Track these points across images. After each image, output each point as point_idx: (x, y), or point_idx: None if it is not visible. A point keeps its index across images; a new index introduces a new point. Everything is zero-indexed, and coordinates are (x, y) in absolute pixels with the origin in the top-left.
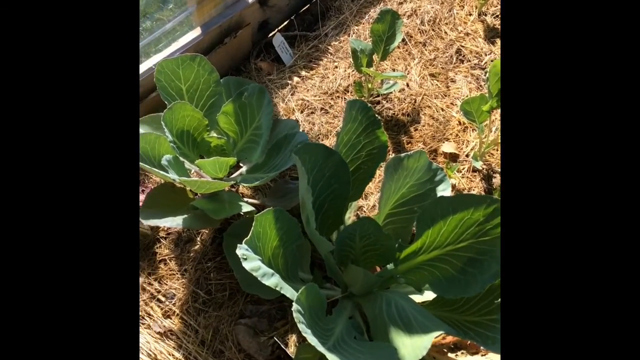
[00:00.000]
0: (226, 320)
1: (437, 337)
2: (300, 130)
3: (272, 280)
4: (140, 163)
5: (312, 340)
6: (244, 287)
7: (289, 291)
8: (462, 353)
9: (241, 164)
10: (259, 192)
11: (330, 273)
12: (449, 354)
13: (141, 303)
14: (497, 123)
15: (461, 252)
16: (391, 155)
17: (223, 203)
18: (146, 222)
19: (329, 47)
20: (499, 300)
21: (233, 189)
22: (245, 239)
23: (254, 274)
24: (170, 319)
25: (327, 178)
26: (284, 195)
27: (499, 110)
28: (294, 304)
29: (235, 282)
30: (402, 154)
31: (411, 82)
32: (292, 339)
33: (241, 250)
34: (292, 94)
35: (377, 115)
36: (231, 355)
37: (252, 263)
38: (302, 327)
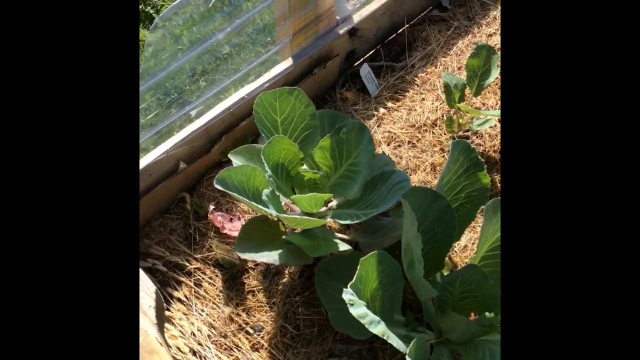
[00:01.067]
0: (315, 357)
1: None
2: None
3: (379, 328)
4: (236, 194)
5: None
6: (335, 325)
7: (395, 341)
8: None
9: (332, 199)
10: (350, 227)
11: (426, 318)
12: None
13: (229, 334)
14: None
15: None
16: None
17: (318, 240)
18: (243, 256)
19: (416, 79)
20: None
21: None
22: (351, 282)
23: (361, 321)
24: (259, 352)
25: (430, 222)
26: (376, 232)
27: None
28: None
29: (323, 319)
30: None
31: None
32: None
33: (347, 295)
34: (378, 126)
35: (480, 158)
36: None
37: (358, 309)
38: None
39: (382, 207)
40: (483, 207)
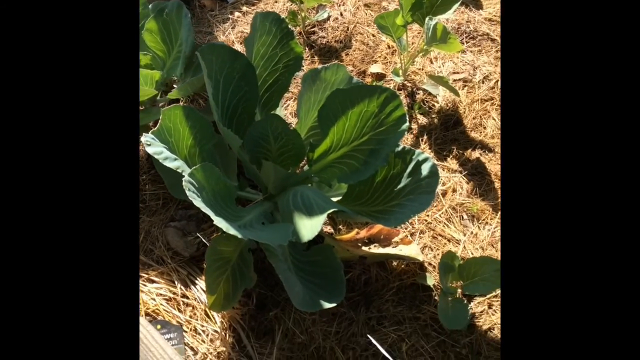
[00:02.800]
0: (158, 224)
1: (351, 232)
2: None
3: (175, 163)
4: None
5: (218, 221)
6: (171, 192)
7: (187, 171)
8: (375, 246)
9: (175, 85)
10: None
11: (248, 173)
12: (363, 247)
13: None
14: (417, 40)
15: (364, 146)
16: None
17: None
18: None
19: None
20: (398, 187)
21: None
22: (152, 130)
23: (157, 157)
24: None
25: (237, 80)
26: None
27: (415, 26)
28: (185, 176)
29: (168, 192)
30: (320, 67)
31: (345, 12)
32: None
33: (146, 137)
34: (232, 28)
35: (290, 28)
36: (160, 253)
37: (155, 148)
38: (199, 203)
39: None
40: (298, 74)
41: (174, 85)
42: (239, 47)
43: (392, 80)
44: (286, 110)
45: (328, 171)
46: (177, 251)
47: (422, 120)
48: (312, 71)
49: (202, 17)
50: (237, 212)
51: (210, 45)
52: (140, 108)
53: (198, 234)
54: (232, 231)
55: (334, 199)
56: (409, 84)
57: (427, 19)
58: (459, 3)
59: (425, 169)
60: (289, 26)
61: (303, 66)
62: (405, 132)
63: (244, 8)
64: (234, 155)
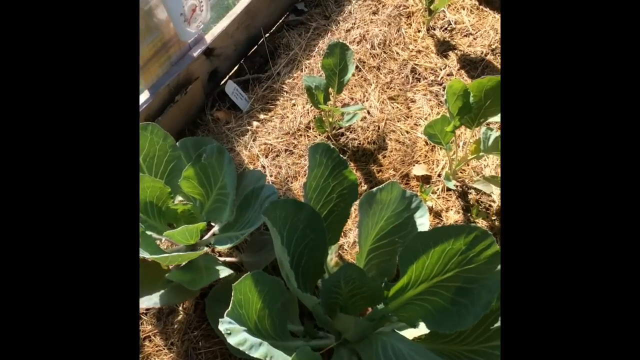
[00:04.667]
0: None
1: None
2: (268, 175)
3: (261, 350)
4: None
5: None
6: (234, 352)
7: (280, 358)
8: None
9: (212, 224)
10: (236, 249)
11: (320, 324)
12: None
13: None
14: (464, 138)
15: (449, 282)
16: (364, 188)
17: (200, 271)
18: None
19: (284, 86)
20: (495, 325)
21: (208, 248)
22: (227, 310)
23: (241, 348)
24: None
25: (302, 230)
26: (262, 248)
27: (462, 128)
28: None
29: (225, 348)
30: (374, 189)
31: (372, 109)
32: None
33: (224, 325)
34: (253, 140)
35: (341, 156)
36: None
37: (236, 337)
38: None
39: (256, 224)
40: (356, 202)
41: (212, 224)
42: (264, 161)
43: (439, 181)
44: (347, 238)
45: (408, 309)
46: None
47: (483, 224)
48: (367, 195)
49: (219, 132)
50: None
51: (273, 203)
52: (190, 263)
53: None
54: None
55: (414, 332)
56: (458, 184)
57: (484, 129)
58: None
59: None
60: (339, 155)
61: None
62: None
63: (261, 116)
64: (294, 297)
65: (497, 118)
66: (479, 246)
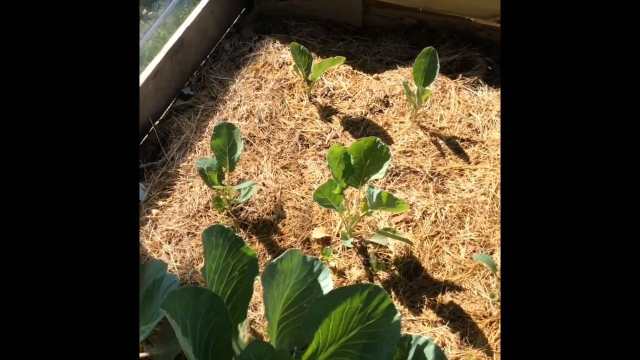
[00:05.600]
0: None
1: None
2: (172, 260)
3: None
4: None
5: None
6: None
7: None
8: None
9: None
10: (145, 342)
11: None
12: None
13: None
14: (356, 195)
15: (355, 341)
16: (268, 258)
17: None
18: None
19: (179, 170)
20: None
21: None
22: None
23: None
24: None
25: (204, 315)
26: (172, 337)
27: (350, 189)
28: None
29: None
30: (275, 260)
31: (267, 180)
32: None
33: None
34: (154, 228)
35: (236, 234)
36: None
37: None
38: None
39: (160, 315)
40: (258, 277)
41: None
42: (167, 247)
43: (339, 241)
44: (258, 311)
45: None
46: None
47: (384, 275)
48: (268, 268)
49: None
50: None
51: (170, 294)
52: None
53: None
54: None
55: None
56: (356, 240)
57: (367, 187)
58: (389, 161)
59: (429, 353)
60: (236, 234)
61: None
62: (401, 324)
63: (160, 202)
64: None
65: (378, 175)
66: (374, 301)
